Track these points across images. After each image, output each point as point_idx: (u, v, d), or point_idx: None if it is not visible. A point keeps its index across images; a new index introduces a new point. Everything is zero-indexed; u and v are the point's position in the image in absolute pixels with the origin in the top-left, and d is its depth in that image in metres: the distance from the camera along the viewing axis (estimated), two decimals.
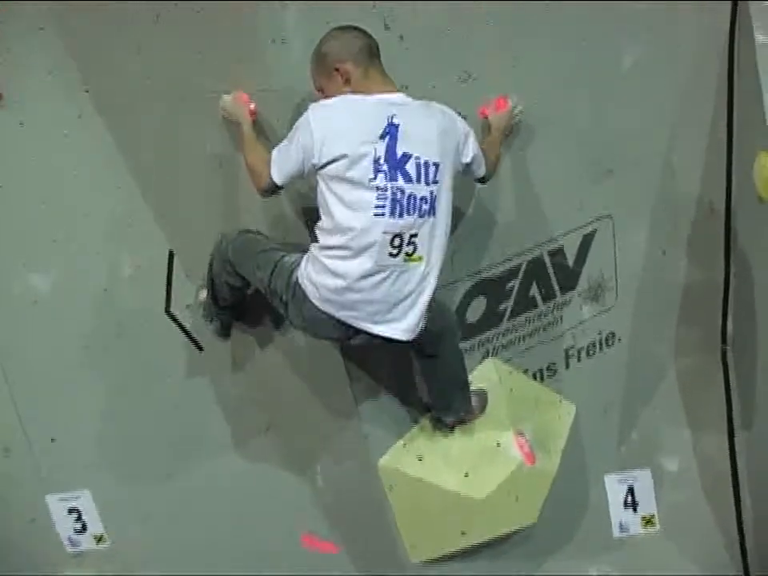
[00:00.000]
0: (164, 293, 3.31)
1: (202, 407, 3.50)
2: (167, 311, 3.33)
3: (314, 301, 2.60)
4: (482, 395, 3.41)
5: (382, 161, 2.48)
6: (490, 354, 3.57)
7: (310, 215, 2.91)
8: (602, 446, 3.88)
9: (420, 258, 2.60)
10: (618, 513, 3.98)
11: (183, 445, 3.58)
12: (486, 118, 3.12)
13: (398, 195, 2.50)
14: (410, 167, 2.52)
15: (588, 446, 3.85)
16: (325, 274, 2.56)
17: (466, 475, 3.38)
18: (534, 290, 3.54)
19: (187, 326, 3.38)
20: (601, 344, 3.71)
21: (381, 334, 2.66)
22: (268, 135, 2.94)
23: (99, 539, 3.72)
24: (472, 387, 3.34)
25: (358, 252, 2.51)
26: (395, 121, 2.51)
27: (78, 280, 3.32)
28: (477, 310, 3.48)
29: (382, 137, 2.49)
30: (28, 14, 2.93)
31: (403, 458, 3.50)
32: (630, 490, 3.94)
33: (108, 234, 3.26)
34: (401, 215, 2.51)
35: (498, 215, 3.36)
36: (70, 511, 3.64)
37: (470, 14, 3.01)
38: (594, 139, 3.35)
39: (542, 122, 3.24)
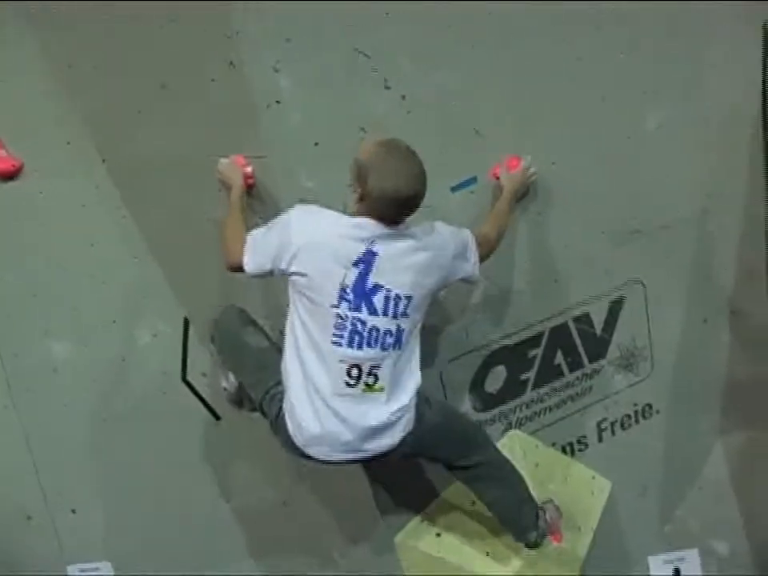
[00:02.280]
0: (180, 361, 3.29)
1: (220, 480, 3.46)
2: (184, 379, 3.29)
3: (295, 440, 2.56)
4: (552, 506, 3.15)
5: (348, 289, 2.39)
6: (513, 426, 3.41)
7: None
8: (643, 526, 3.66)
9: (381, 389, 2.49)
10: None
11: (202, 517, 3.50)
12: (498, 179, 3.02)
13: (359, 326, 2.41)
14: (378, 299, 2.41)
15: (628, 526, 3.65)
16: (295, 415, 2.51)
17: (487, 554, 3.21)
18: (560, 359, 3.38)
19: (204, 394, 3.33)
20: (636, 416, 3.52)
21: (364, 456, 2.59)
22: (265, 200, 2.91)
23: None
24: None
25: (316, 378, 2.45)
26: (374, 248, 2.39)
27: (97, 348, 3.31)
28: (496, 379, 3.34)
29: (356, 264, 2.39)
30: (43, 80, 2.99)
31: (421, 534, 3.36)
32: (677, 572, 3.69)
33: (125, 303, 3.27)
34: (359, 347, 2.42)
35: (515, 281, 3.24)
36: None
37: (477, 72, 2.96)
38: (618, 201, 3.21)
39: (560, 183, 3.14)
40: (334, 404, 2.46)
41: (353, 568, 3.52)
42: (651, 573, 3.70)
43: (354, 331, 2.41)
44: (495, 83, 3.00)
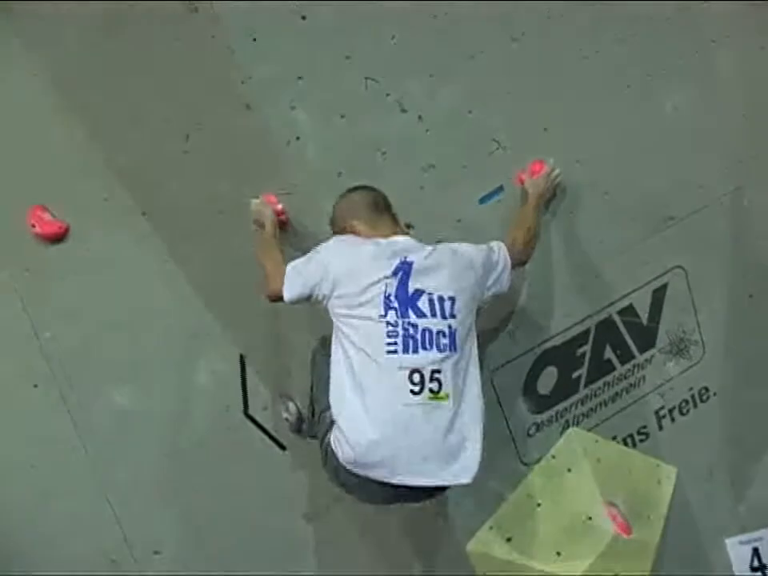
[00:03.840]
0: (240, 397, 3.36)
1: (294, 505, 3.50)
2: (246, 414, 3.37)
3: (345, 464, 2.48)
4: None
5: (392, 297, 2.44)
6: (571, 425, 3.44)
7: None
8: (716, 508, 3.66)
9: (446, 396, 2.43)
10: None
11: (279, 542, 3.53)
12: (523, 185, 3.06)
13: (411, 330, 2.42)
14: (423, 303, 2.46)
15: (700, 510, 3.65)
16: (352, 438, 2.43)
17: (558, 554, 3.24)
18: (609, 353, 3.42)
19: (267, 426, 3.40)
20: (694, 400, 3.54)
21: (429, 484, 2.45)
22: (299, 233, 2.99)
23: None
24: None
25: (378, 392, 2.42)
26: (409, 259, 2.48)
27: (159, 393, 3.37)
28: (548, 380, 3.38)
29: (395, 273, 2.47)
30: (77, 144, 3.08)
31: (491, 541, 3.38)
32: (756, 552, 3.67)
33: (180, 347, 3.34)
34: (415, 350, 2.42)
35: (555, 282, 3.28)
36: None
37: (488, 82, 3.04)
38: (648, 190, 3.26)
39: (588, 181, 3.19)
40: (402, 416, 2.39)
41: None
42: (731, 555, 3.69)
43: (407, 335, 2.42)
44: (507, 91, 3.07)
